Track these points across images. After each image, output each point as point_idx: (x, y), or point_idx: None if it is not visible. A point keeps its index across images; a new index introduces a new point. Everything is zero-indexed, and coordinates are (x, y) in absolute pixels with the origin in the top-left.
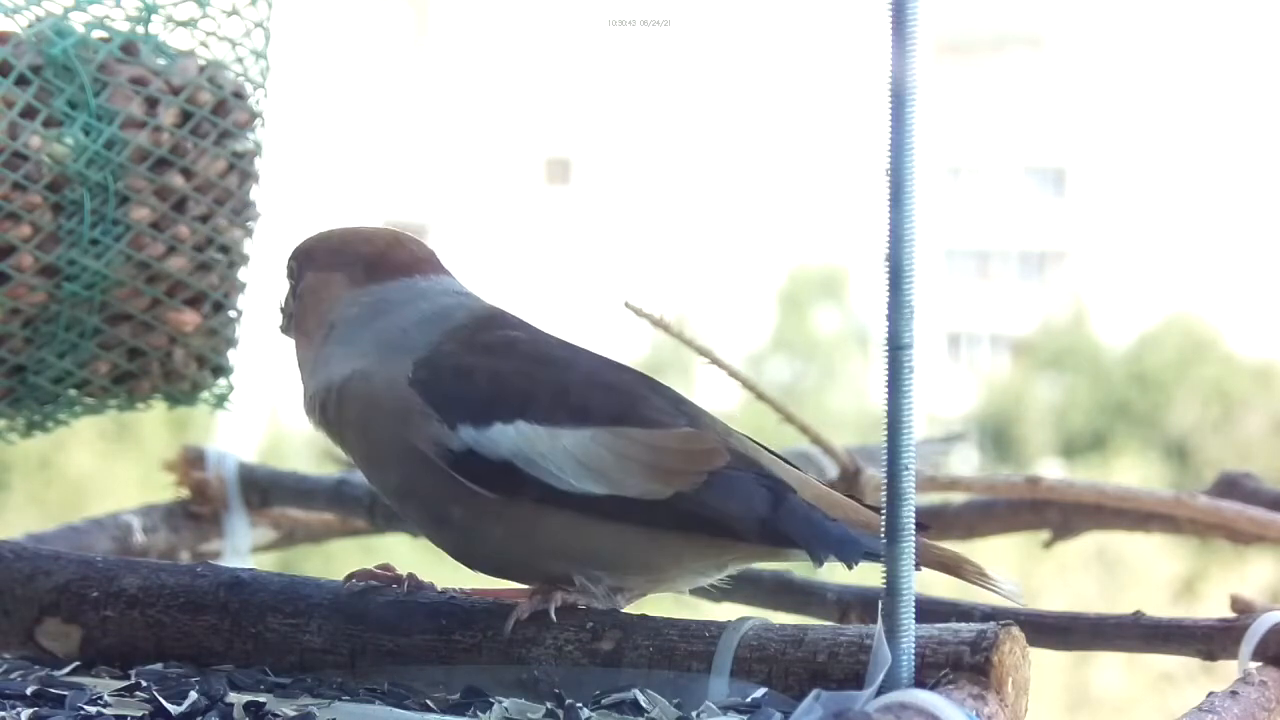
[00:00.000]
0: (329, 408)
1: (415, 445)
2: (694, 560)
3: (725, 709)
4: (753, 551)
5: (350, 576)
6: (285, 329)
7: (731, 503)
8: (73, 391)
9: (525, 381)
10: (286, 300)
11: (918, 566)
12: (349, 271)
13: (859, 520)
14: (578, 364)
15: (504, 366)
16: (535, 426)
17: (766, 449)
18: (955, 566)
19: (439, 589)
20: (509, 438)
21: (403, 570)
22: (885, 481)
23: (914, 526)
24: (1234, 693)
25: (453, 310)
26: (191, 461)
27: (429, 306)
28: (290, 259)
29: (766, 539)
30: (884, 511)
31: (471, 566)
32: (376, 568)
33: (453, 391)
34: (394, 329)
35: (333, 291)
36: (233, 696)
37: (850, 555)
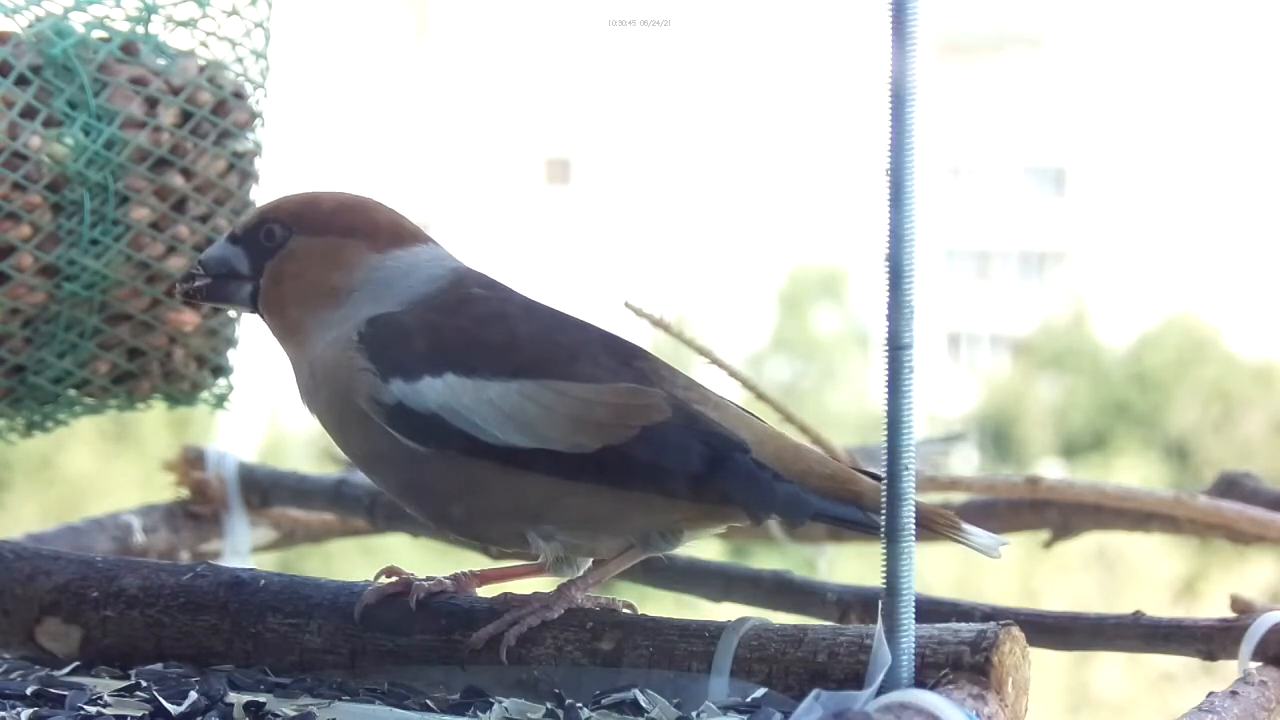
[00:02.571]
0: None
1: (360, 405)
2: (640, 516)
3: (725, 709)
4: (699, 510)
5: (381, 574)
6: (234, 295)
7: (663, 458)
8: (73, 391)
9: (459, 336)
10: (226, 262)
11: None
12: (369, 237)
13: (823, 474)
14: (524, 320)
15: (443, 322)
16: (463, 379)
17: (737, 406)
18: (926, 520)
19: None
20: (436, 390)
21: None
22: (885, 481)
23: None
24: (1234, 693)
25: (438, 274)
26: (191, 461)
27: (435, 271)
28: (267, 221)
29: (701, 496)
30: (884, 508)
31: (438, 526)
32: (391, 578)
33: (389, 346)
34: (403, 293)
35: (349, 256)
36: (233, 696)
37: (797, 514)
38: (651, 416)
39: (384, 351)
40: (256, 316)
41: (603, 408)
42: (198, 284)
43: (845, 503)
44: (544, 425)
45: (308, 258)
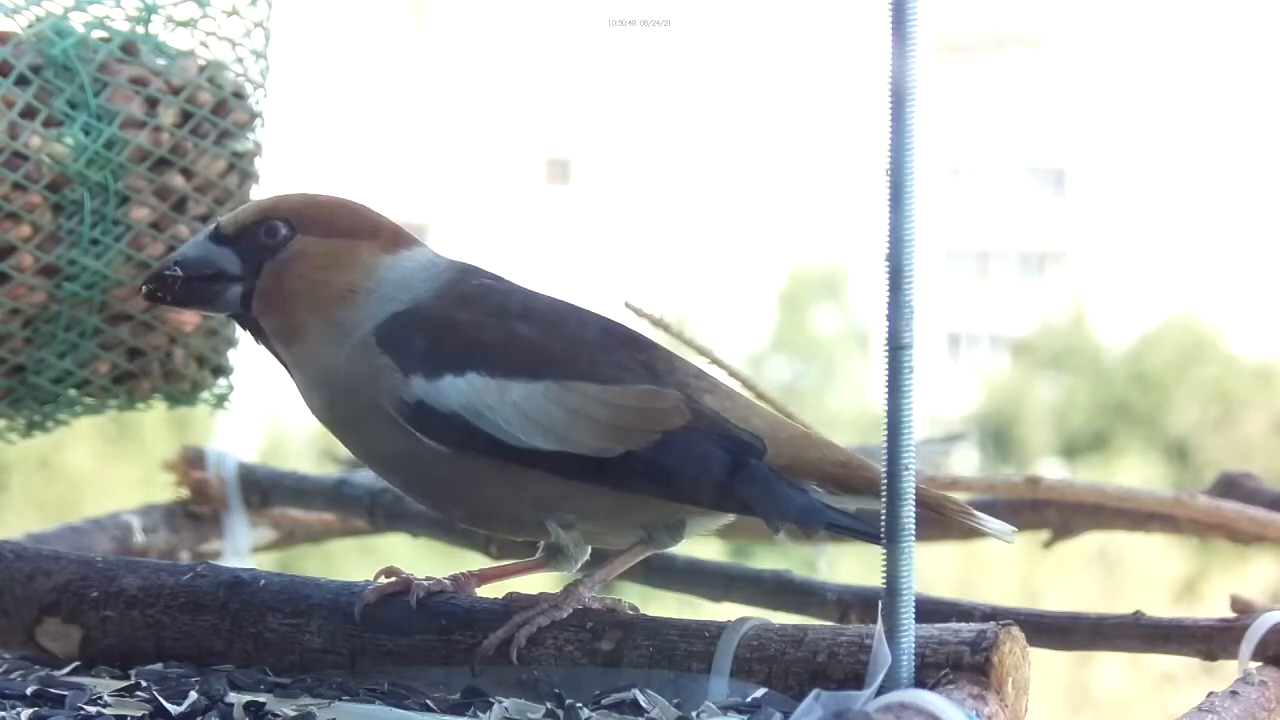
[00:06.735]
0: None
1: (379, 402)
2: (653, 509)
3: (725, 709)
4: (711, 512)
5: (381, 574)
6: (215, 298)
7: (684, 465)
8: (73, 391)
9: (481, 333)
10: (210, 262)
11: None
12: (377, 238)
13: (835, 460)
14: (542, 317)
15: (463, 318)
16: (486, 379)
17: (745, 396)
18: (938, 506)
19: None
20: (459, 390)
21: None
22: (885, 481)
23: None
24: (1234, 693)
25: (444, 269)
26: (191, 461)
27: (440, 266)
28: (268, 219)
29: (720, 504)
30: (884, 507)
31: (446, 518)
32: (391, 578)
33: (410, 343)
34: (419, 289)
35: (364, 258)
36: (233, 696)
37: (812, 523)
38: (672, 421)
39: (404, 347)
40: (239, 319)
41: (626, 412)
42: (169, 285)
43: (857, 490)
44: (569, 429)
45: (318, 257)
